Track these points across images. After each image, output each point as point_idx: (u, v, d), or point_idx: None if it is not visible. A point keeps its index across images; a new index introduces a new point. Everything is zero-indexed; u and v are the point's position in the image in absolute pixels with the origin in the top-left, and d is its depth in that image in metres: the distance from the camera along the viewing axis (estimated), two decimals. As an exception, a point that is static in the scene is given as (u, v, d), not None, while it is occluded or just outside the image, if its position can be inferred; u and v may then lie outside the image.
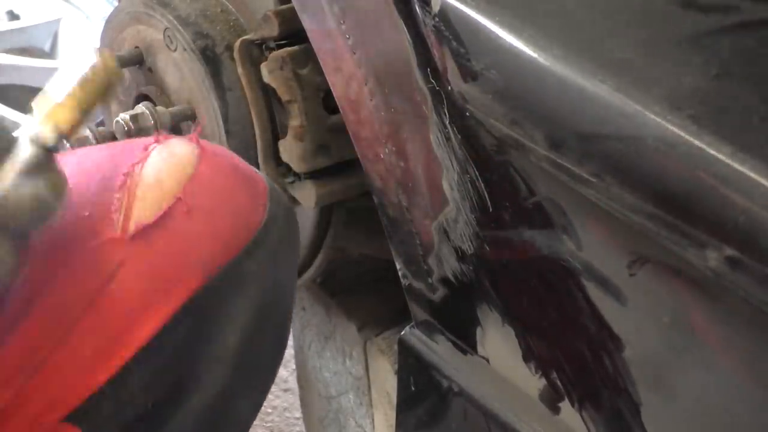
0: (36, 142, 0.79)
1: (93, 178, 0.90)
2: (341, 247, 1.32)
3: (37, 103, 0.82)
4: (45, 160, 0.79)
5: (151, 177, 0.91)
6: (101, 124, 1.33)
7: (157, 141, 0.93)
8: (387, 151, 0.90)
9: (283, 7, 1.13)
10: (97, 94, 0.82)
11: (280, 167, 1.18)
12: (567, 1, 0.76)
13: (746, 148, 0.63)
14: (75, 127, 0.81)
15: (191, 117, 1.23)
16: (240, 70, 1.15)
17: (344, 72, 0.91)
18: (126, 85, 1.30)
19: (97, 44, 1.35)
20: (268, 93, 1.16)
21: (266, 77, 1.12)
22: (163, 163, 0.93)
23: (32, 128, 0.79)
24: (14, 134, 0.80)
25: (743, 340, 0.67)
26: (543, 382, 0.83)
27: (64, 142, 0.80)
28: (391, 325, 1.32)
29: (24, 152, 0.78)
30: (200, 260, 0.91)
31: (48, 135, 0.79)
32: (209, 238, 0.91)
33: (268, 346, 1.01)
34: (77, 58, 0.83)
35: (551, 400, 0.83)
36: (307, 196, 1.16)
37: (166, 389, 0.88)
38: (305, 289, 1.43)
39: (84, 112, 0.82)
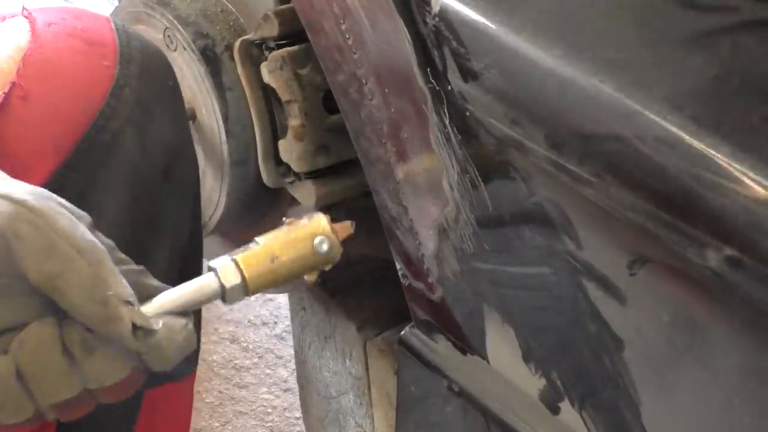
0: (218, 280, 0.75)
1: None
2: (341, 247, 1.32)
3: (244, 246, 0.77)
4: (211, 300, 0.75)
5: None
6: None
7: None
8: (387, 151, 0.90)
9: (283, 7, 1.13)
10: (297, 261, 0.77)
11: (280, 167, 1.18)
12: (567, 1, 0.76)
13: (746, 148, 0.63)
14: (260, 285, 0.76)
15: (191, 117, 1.23)
16: (240, 70, 1.15)
17: (344, 72, 0.91)
18: None
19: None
20: (268, 93, 1.16)
21: (266, 77, 1.12)
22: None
23: (224, 263, 0.75)
24: (212, 262, 0.75)
25: (743, 339, 0.67)
26: (543, 382, 0.83)
27: (241, 293, 0.75)
28: (391, 325, 1.32)
29: (202, 283, 0.75)
30: (49, 143, 0.88)
31: (229, 280, 0.75)
32: (52, 121, 0.87)
33: (167, 204, 0.98)
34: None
35: (551, 400, 0.83)
36: (307, 196, 1.16)
37: None
38: (305, 289, 1.43)
39: (277, 275, 0.76)
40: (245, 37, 1.16)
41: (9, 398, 0.69)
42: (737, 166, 0.63)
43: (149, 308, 0.72)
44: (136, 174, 0.95)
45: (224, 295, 0.75)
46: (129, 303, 0.69)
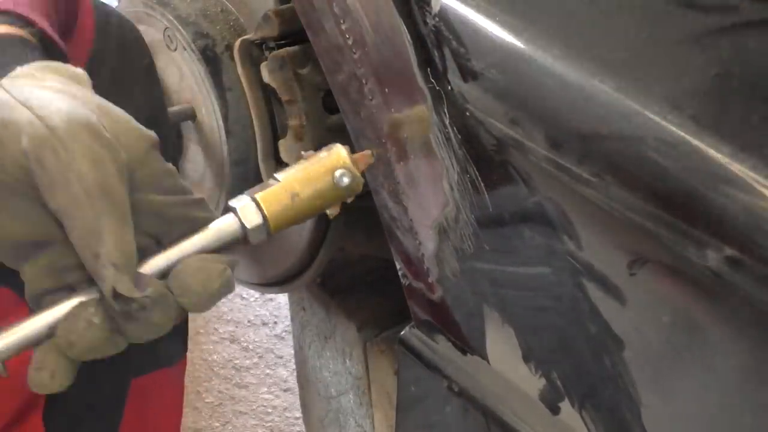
0: (239, 220, 0.73)
1: None
2: (341, 247, 1.32)
3: (262, 183, 0.76)
4: (232, 243, 0.74)
5: None
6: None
7: None
8: (387, 151, 0.90)
9: (283, 7, 1.13)
10: (318, 197, 0.75)
11: (280, 167, 1.18)
12: (567, 1, 0.76)
13: (746, 148, 0.63)
14: (282, 224, 0.75)
15: (191, 117, 1.23)
16: (240, 70, 1.15)
17: (344, 72, 0.91)
18: None
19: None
20: (268, 93, 1.16)
21: (266, 77, 1.12)
22: None
23: (243, 203, 0.74)
24: (232, 202, 0.74)
25: (743, 339, 0.67)
26: (543, 382, 0.83)
27: (263, 233, 0.74)
28: (391, 325, 1.32)
29: (222, 224, 0.73)
30: None
31: (250, 220, 0.73)
32: None
33: None
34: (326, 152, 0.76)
35: (551, 400, 0.83)
36: (307, 196, 1.16)
37: None
38: (305, 289, 1.43)
39: (298, 212, 0.75)
40: (245, 37, 1.16)
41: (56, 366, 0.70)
42: (737, 166, 0.63)
43: (158, 259, 0.71)
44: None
45: (246, 235, 0.74)
46: (114, 265, 0.68)
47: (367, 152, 0.78)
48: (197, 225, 0.73)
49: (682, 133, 0.65)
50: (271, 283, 1.40)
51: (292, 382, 1.96)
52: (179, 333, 1.17)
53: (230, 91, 1.20)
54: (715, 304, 0.67)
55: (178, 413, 1.21)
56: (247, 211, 0.74)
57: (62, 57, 0.80)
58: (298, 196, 0.75)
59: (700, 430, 0.74)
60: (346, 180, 0.76)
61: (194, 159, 1.27)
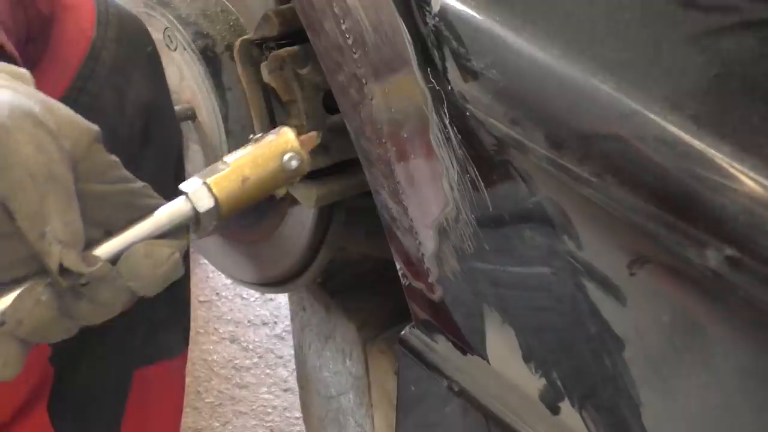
0: (191, 204, 0.74)
1: None
2: (341, 247, 1.32)
3: (211, 166, 0.76)
4: (184, 227, 0.74)
5: None
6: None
7: None
8: (387, 151, 0.90)
9: (283, 7, 1.13)
10: (267, 181, 0.76)
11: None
12: (567, 1, 0.76)
13: (746, 148, 0.63)
14: (232, 208, 0.75)
15: (191, 117, 1.24)
16: (240, 70, 1.15)
17: (344, 72, 0.91)
18: None
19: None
20: (268, 93, 1.16)
21: (266, 77, 1.12)
22: None
23: (195, 187, 0.74)
24: (183, 186, 0.74)
25: (743, 339, 0.67)
26: (543, 382, 0.83)
27: (214, 217, 0.74)
28: (391, 325, 1.32)
29: (174, 208, 0.74)
30: None
31: (202, 204, 0.74)
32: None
33: (146, 169, 0.95)
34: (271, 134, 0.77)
35: (551, 400, 0.83)
36: (307, 196, 1.16)
37: None
38: (305, 289, 1.43)
39: (249, 196, 0.75)
40: (245, 37, 1.16)
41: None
42: (737, 166, 0.63)
43: (107, 245, 0.71)
44: (114, 135, 0.96)
45: (197, 219, 0.74)
46: (60, 242, 0.68)
47: (313, 134, 0.79)
48: (145, 211, 0.73)
49: (683, 133, 0.65)
50: (271, 283, 1.41)
51: (292, 382, 1.96)
52: (178, 325, 1.17)
53: (230, 91, 1.20)
54: (715, 304, 0.67)
55: (179, 409, 1.22)
56: (199, 195, 0.74)
57: (12, 61, 0.80)
58: (248, 179, 0.76)
59: (700, 430, 0.74)
60: (294, 163, 0.77)
61: (194, 159, 1.27)
